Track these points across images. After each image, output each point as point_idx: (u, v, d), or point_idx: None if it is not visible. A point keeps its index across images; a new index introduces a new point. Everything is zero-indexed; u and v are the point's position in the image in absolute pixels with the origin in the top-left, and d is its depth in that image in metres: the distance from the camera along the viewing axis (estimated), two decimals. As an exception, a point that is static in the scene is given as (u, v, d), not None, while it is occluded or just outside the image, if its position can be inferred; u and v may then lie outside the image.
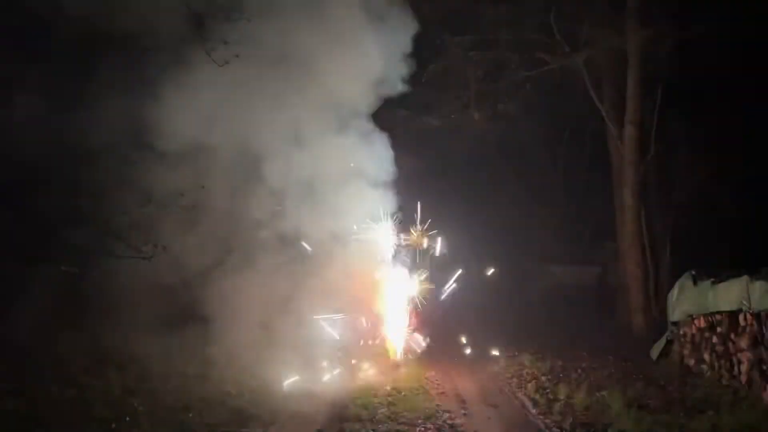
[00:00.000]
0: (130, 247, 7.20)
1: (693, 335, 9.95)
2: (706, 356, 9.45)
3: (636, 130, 13.39)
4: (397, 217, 10.92)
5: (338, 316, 10.27)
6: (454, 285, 11.60)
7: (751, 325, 8.23)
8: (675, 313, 10.53)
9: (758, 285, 8.00)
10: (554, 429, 7.31)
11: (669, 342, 10.80)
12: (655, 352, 11.03)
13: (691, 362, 9.92)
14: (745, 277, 8.36)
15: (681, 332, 10.35)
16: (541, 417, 7.77)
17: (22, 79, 8.09)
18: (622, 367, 10.56)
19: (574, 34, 13.40)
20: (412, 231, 11.18)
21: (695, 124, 14.94)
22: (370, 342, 10.61)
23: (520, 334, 13.02)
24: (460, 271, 11.65)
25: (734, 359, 8.67)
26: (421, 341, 10.86)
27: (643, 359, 11.03)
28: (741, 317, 8.49)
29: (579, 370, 10.21)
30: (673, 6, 12.77)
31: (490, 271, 13.06)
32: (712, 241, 16.33)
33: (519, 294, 18.11)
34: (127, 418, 7.24)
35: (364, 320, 10.62)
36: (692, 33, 12.70)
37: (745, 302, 8.23)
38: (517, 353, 11.47)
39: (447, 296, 11.56)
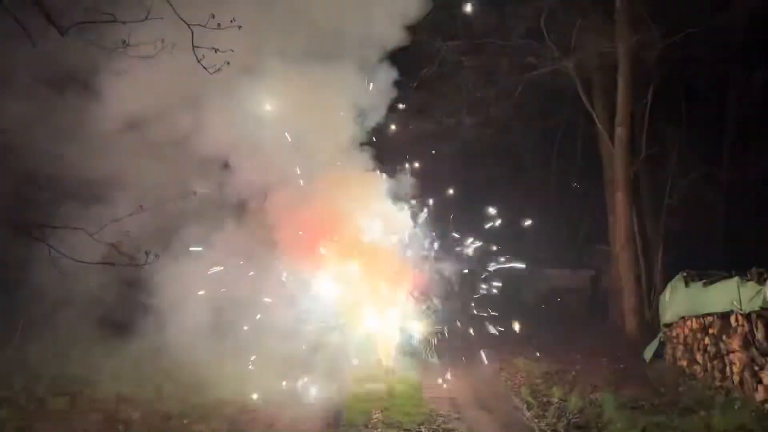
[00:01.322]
0: (122, 255, 7.14)
1: (685, 337, 10.00)
2: (699, 357, 9.51)
3: (626, 132, 13.46)
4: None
5: None
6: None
7: (742, 326, 8.28)
8: (667, 315, 10.61)
9: (749, 286, 8.06)
10: (547, 431, 7.35)
11: (662, 343, 10.88)
12: (648, 354, 11.11)
13: (684, 363, 9.98)
14: (735, 279, 8.42)
15: (673, 334, 10.41)
16: (535, 420, 7.81)
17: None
18: (615, 368, 10.62)
19: (565, 39, 13.47)
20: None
21: (686, 126, 15.02)
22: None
23: (514, 337, 13.00)
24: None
25: (726, 360, 8.73)
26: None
27: (637, 361, 11.11)
28: (732, 318, 8.54)
29: (573, 373, 10.25)
30: (661, 10, 12.84)
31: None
32: (705, 243, 16.47)
33: (513, 297, 18.11)
34: (121, 427, 7.24)
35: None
36: (680, 37, 12.76)
37: (735, 303, 8.29)
38: (511, 356, 11.49)
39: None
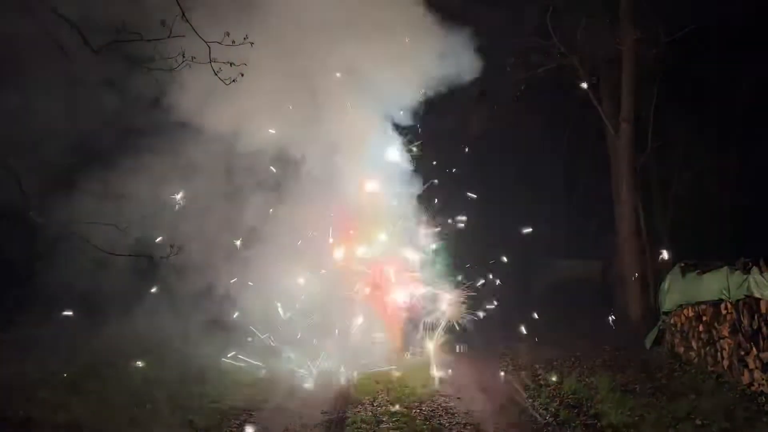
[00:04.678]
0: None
1: (682, 324, 10.40)
2: (694, 344, 9.91)
3: (631, 127, 13.74)
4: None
5: None
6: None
7: (731, 313, 8.69)
8: (666, 304, 11.00)
9: (735, 275, 8.47)
10: (540, 410, 7.87)
11: (661, 331, 11.28)
12: (648, 341, 11.51)
13: (681, 350, 10.38)
14: (724, 269, 8.82)
15: (671, 322, 10.81)
16: (529, 400, 8.33)
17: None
18: (615, 355, 11.05)
19: (570, 36, 13.77)
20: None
21: (693, 118, 15.24)
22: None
23: (522, 326, 13.41)
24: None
25: (717, 346, 9.14)
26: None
27: (638, 348, 11.50)
28: (722, 306, 8.95)
29: (573, 359, 10.70)
30: (664, 7, 13.08)
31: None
32: (713, 233, 16.68)
33: (524, 287, 18.53)
34: (148, 405, 7.91)
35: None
36: (683, 33, 13.04)
37: (725, 292, 8.70)
38: (516, 343, 11.96)
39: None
